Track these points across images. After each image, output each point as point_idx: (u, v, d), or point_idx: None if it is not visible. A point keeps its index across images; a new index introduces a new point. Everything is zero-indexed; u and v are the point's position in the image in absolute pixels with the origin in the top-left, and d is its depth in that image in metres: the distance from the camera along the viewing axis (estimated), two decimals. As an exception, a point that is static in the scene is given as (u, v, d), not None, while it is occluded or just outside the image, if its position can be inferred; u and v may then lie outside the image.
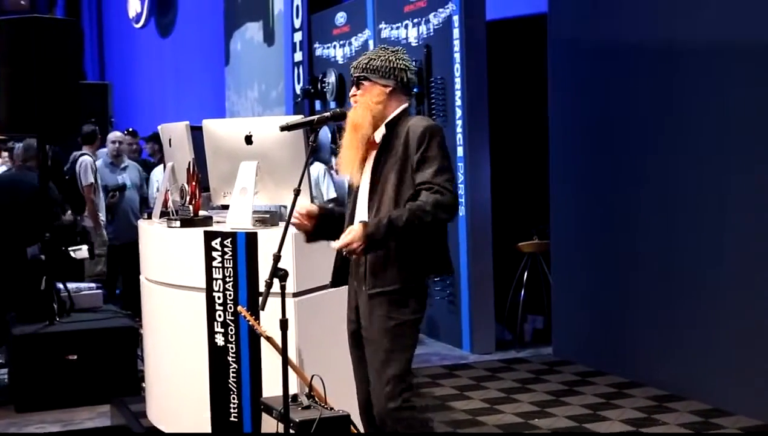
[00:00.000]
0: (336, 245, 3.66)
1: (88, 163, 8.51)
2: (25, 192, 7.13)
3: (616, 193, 6.32)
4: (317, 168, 7.16)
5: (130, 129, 11.02)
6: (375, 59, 3.78)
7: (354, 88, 3.83)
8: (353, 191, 3.83)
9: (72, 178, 8.47)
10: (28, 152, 7.39)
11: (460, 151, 7.35)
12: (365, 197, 3.74)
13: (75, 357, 6.19)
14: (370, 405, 3.78)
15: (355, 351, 3.84)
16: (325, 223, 3.81)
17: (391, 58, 3.78)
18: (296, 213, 3.71)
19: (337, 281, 3.89)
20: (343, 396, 3.99)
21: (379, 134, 3.76)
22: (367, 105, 3.74)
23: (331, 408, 3.82)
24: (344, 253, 3.65)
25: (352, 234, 3.57)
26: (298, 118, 3.96)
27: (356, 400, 3.91)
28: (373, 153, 3.75)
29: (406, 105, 3.81)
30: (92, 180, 8.44)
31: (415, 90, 7.75)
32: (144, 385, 5.47)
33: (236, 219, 4.41)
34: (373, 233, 3.54)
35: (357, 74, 3.81)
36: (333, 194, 7.32)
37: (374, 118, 3.73)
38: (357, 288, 3.77)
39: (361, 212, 3.75)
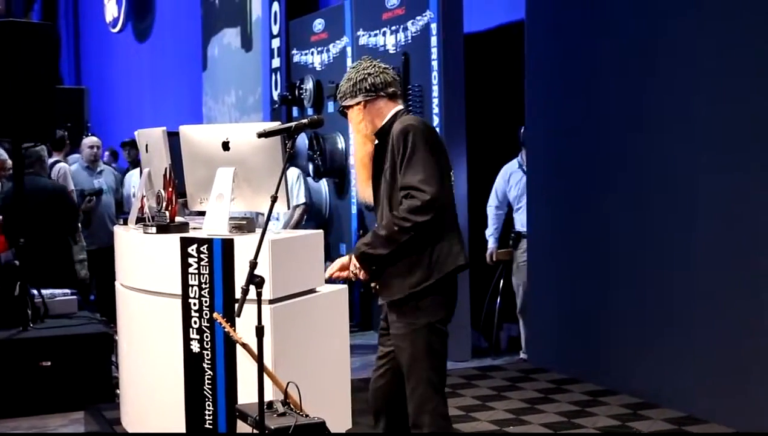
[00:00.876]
0: (326, 275, 3.90)
1: (66, 170, 8.49)
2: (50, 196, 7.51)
3: (591, 203, 6.35)
4: (292, 173, 7.17)
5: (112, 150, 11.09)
6: (341, 86, 3.94)
7: (349, 115, 3.96)
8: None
9: None
10: (29, 159, 7.39)
11: (437, 158, 7.37)
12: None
13: (49, 363, 6.15)
14: (378, 397, 3.95)
15: (380, 346, 4.02)
16: None
17: (351, 76, 3.91)
18: (335, 272, 3.91)
19: None
20: (319, 403, 3.98)
21: (375, 143, 3.89)
22: (356, 129, 3.91)
23: (307, 415, 3.82)
24: (346, 278, 3.85)
25: (337, 265, 3.81)
26: (275, 125, 3.97)
27: (332, 407, 3.96)
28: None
29: (395, 109, 3.89)
30: (73, 186, 8.41)
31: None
32: (118, 391, 5.44)
33: (213, 225, 4.40)
34: (358, 247, 3.76)
35: (349, 103, 3.93)
36: (303, 199, 7.34)
37: (366, 136, 3.87)
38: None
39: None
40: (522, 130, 7.21)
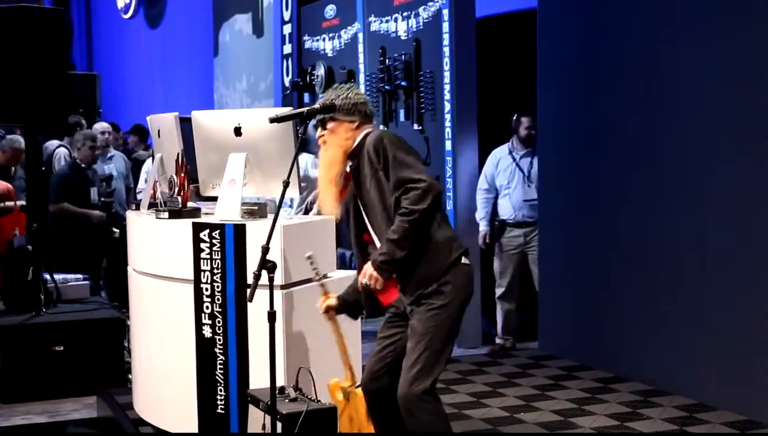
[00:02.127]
0: (360, 285, 3.89)
1: (62, 155, 8.54)
2: None
3: (602, 191, 6.33)
4: (305, 158, 7.17)
5: (112, 123, 11.04)
6: (336, 99, 3.96)
7: (320, 130, 3.99)
8: (348, 221, 4.04)
9: (48, 169, 8.50)
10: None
11: (448, 145, 7.37)
12: (365, 222, 3.93)
13: (61, 348, 6.18)
14: (371, 385, 3.96)
15: (384, 331, 4.04)
16: (349, 303, 4.14)
17: (349, 95, 3.98)
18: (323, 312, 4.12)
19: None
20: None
21: (350, 165, 3.94)
22: (337, 144, 3.93)
23: (319, 401, 3.83)
24: (369, 288, 3.85)
25: (366, 274, 3.79)
26: (287, 110, 3.98)
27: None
28: (350, 185, 3.96)
29: (367, 130, 3.97)
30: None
31: (402, 83, 7.83)
32: (130, 376, 5.47)
33: (225, 211, 4.41)
34: (375, 259, 3.75)
35: (321, 118, 3.98)
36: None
37: (345, 153, 3.93)
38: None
39: (375, 237, 3.91)
40: (513, 118, 7.20)
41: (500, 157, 7.23)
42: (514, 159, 7.16)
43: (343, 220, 4.08)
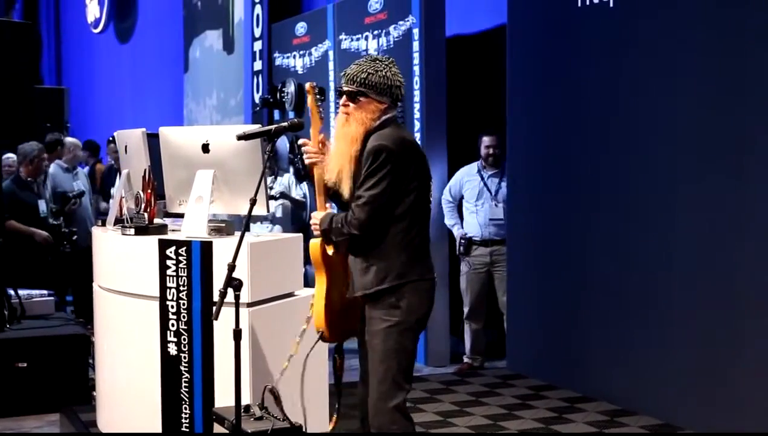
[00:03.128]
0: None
1: (47, 173, 8.49)
2: None
3: (570, 209, 6.37)
4: (288, 177, 7.19)
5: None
6: (373, 74, 3.78)
7: (346, 99, 3.83)
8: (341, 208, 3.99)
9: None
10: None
11: (417, 163, 7.38)
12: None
13: (25, 365, 6.11)
14: (365, 405, 3.91)
15: (359, 349, 3.99)
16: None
17: (387, 74, 3.80)
18: (309, 149, 3.92)
19: None
20: (296, 407, 3.97)
21: None
22: (362, 121, 3.79)
23: (285, 419, 3.81)
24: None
25: (318, 218, 3.82)
26: (255, 128, 3.96)
27: (310, 410, 3.95)
28: None
29: (390, 115, 3.85)
30: (50, 190, 8.42)
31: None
32: (95, 393, 5.41)
33: (191, 228, 4.38)
34: (324, 226, 3.81)
35: (353, 88, 3.80)
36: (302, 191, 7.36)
37: (367, 131, 3.79)
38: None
39: None
40: (480, 138, 7.22)
41: (467, 178, 7.23)
42: (482, 178, 7.18)
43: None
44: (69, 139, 9.28)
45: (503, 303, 7.16)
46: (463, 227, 7.25)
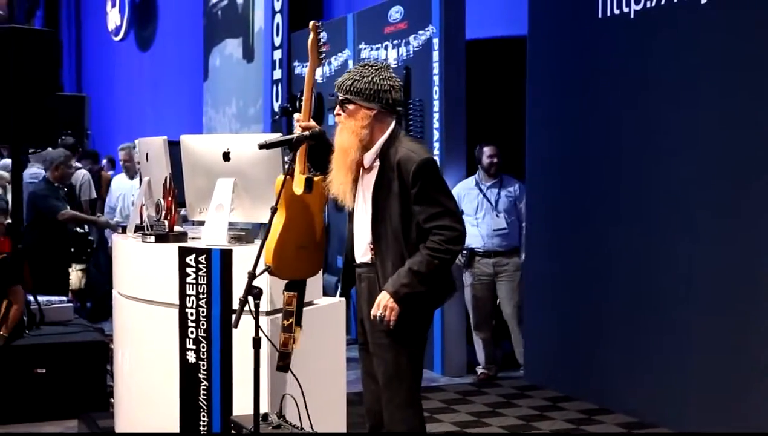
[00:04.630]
0: (372, 315, 3.73)
1: (88, 178, 8.62)
2: None
3: (588, 220, 6.35)
4: None
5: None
6: (359, 80, 3.75)
7: (338, 108, 3.82)
8: (349, 214, 3.93)
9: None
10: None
11: (436, 173, 7.37)
12: (367, 226, 3.80)
13: (44, 371, 6.13)
14: (373, 412, 3.91)
15: (361, 361, 3.99)
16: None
17: (375, 79, 3.75)
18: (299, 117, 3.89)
19: (345, 290, 4.08)
20: (314, 416, 3.97)
21: (368, 159, 3.80)
22: (352, 129, 3.75)
23: (302, 428, 3.81)
24: (382, 321, 3.70)
25: (381, 304, 3.66)
26: (276, 137, 3.96)
27: (328, 420, 3.94)
28: (366, 177, 3.81)
29: (393, 125, 3.81)
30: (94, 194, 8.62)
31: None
32: (113, 400, 5.42)
33: (211, 236, 4.39)
34: (397, 290, 3.64)
35: (341, 96, 3.80)
36: None
37: (361, 142, 3.75)
38: (362, 304, 3.88)
39: (363, 240, 3.84)
40: (480, 149, 7.21)
41: (465, 192, 7.19)
42: (481, 190, 7.16)
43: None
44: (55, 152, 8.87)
45: (508, 315, 7.14)
46: None
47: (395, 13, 8.03)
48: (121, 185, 9.51)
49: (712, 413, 5.30)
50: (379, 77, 3.76)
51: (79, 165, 8.98)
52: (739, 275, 5.17)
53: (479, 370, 7.23)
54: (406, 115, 7.75)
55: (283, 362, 3.83)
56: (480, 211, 7.14)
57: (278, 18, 10.72)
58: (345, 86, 3.79)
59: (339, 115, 3.82)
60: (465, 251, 7.17)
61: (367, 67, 3.82)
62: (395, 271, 3.70)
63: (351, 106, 3.77)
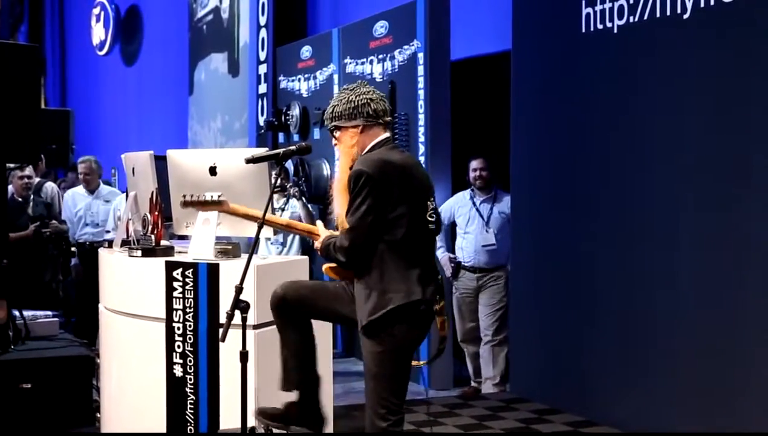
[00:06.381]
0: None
1: (58, 190, 8.61)
2: None
3: (573, 234, 6.38)
4: (295, 204, 7.19)
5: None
6: (338, 105, 3.89)
7: (333, 139, 3.97)
8: None
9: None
10: None
11: (422, 187, 7.39)
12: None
13: (29, 386, 6.10)
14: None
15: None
16: None
17: (351, 97, 3.88)
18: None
19: None
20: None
21: None
22: (346, 152, 3.89)
23: (289, 440, 3.82)
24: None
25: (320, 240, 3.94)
26: (263, 151, 4.00)
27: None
28: None
29: (383, 136, 3.89)
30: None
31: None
32: (99, 415, 5.41)
33: (198, 250, 4.40)
34: (324, 244, 3.90)
35: (329, 125, 3.95)
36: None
37: (353, 160, 3.85)
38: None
39: None
40: (469, 163, 7.24)
41: (459, 205, 7.23)
42: (474, 204, 7.19)
43: None
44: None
45: (484, 327, 7.15)
46: (453, 251, 7.27)
47: (380, 27, 8.07)
48: (78, 199, 9.17)
49: (699, 425, 5.32)
50: (354, 95, 3.89)
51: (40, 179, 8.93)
52: (725, 284, 5.20)
53: (472, 383, 7.25)
54: (392, 129, 7.76)
55: (443, 345, 4.12)
56: (471, 224, 7.15)
57: (263, 32, 10.74)
58: (328, 115, 3.94)
59: (335, 145, 3.96)
60: (452, 264, 7.19)
61: (344, 91, 3.96)
62: (365, 283, 3.78)
63: (338, 133, 3.91)
